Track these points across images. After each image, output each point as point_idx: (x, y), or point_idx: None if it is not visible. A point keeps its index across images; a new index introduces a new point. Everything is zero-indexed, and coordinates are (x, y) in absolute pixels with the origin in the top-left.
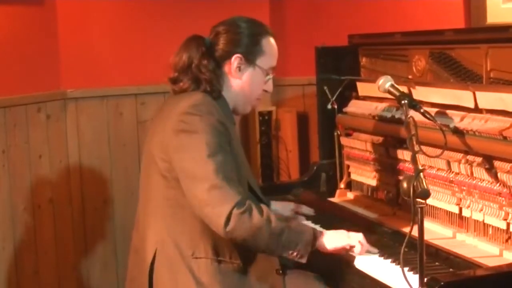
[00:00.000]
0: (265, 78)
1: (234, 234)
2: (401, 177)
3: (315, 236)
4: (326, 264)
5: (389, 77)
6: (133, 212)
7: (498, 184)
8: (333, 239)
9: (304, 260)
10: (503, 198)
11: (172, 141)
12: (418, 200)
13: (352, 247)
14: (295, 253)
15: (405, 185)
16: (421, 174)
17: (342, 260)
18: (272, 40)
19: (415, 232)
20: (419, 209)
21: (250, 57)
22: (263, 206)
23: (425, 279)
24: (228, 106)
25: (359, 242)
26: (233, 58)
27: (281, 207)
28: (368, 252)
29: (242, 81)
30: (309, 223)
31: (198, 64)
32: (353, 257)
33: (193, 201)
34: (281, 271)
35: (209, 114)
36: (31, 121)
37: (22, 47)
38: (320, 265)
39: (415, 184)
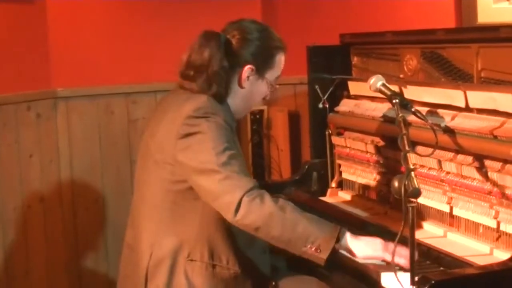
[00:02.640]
0: (268, 89)
1: (244, 221)
2: (392, 176)
3: (341, 232)
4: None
5: (380, 76)
6: (125, 211)
7: (488, 183)
8: (367, 247)
9: (324, 256)
10: (493, 197)
11: (178, 145)
12: (410, 199)
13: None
14: (314, 248)
15: (396, 184)
16: (412, 173)
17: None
18: (283, 56)
19: (406, 231)
20: (410, 208)
21: (260, 69)
22: (281, 198)
23: (416, 278)
24: (230, 110)
25: (403, 256)
26: (245, 67)
27: None
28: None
29: (247, 91)
30: None
31: (218, 64)
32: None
33: (206, 196)
34: (274, 283)
35: (214, 115)
36: (21, 120)
37: (12, 45)
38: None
39: (406, 183)
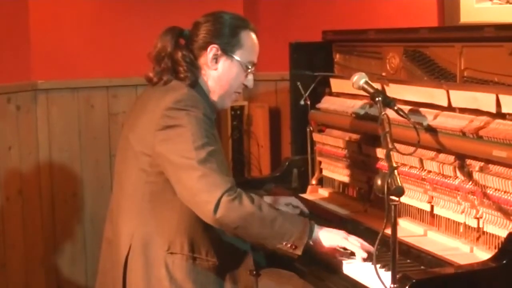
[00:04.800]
0: (244, 73)
1: (224, 221)
2: (373, 174)
3: (312, 228)
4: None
5: (363, 73)
6: (103, 205)
7: (470, 183)
8: (331, 237)
9: (299, 252)
10: (474, 197)
11: (158, 136)
12: (392, 197)
13: (346, 249)
14: (289, 244)
15: (379, 182)
16: (396, 171)
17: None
18: (252, 35)
19: (387, 230)
20: (392, 207)
21: (227, 49)
22: (254, 195)
23: (397, 276)
24: (208, 99)
25: (359, 247)
26: (209, 48)
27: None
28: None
29: (218, 72)
30: None
31: (172, 53)
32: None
33: (183, 192)
34: (254, 272)
35: (195, 108)
36: (1, 112)
37: None
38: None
39: (389, 181)
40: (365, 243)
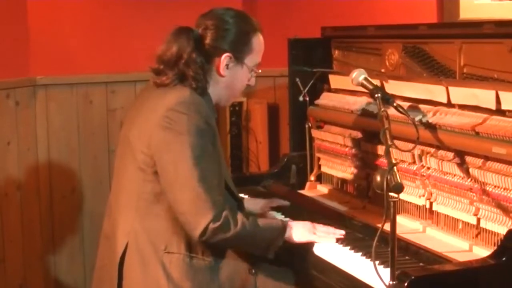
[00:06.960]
0: (250, 74)
1: (208, 242)
2: (372, 171)
3: (284, 231)
4: (291, 250)
5: (362, 70)
6: (102, 201)
7: (469, 180)
8: (299, 233)
9: (271, 256)
10: (473, 194)
11: (156, 136)
12: (391, 194)
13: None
14: (263, 250)
15: (378, 178)
16: (395, 168)
17: (312, 252)
18: (260, 36)
19: (386, 226)
20: (391, 203)
21: (239, 56)
22: (238, 214)
23: (396, 273)
24: (212, 101)
25: (325, 237)
26: (223, 56)
27: (252, 204)
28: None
29: (228, 79)
30: (279, 215)
31: (188, 59)
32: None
33: (172, 203)
34: (253, 271)
35: (196, 113)
36: (0, 107)
37: None
38: (289, 257)
39: (388, 177)
40: (332, 230)
